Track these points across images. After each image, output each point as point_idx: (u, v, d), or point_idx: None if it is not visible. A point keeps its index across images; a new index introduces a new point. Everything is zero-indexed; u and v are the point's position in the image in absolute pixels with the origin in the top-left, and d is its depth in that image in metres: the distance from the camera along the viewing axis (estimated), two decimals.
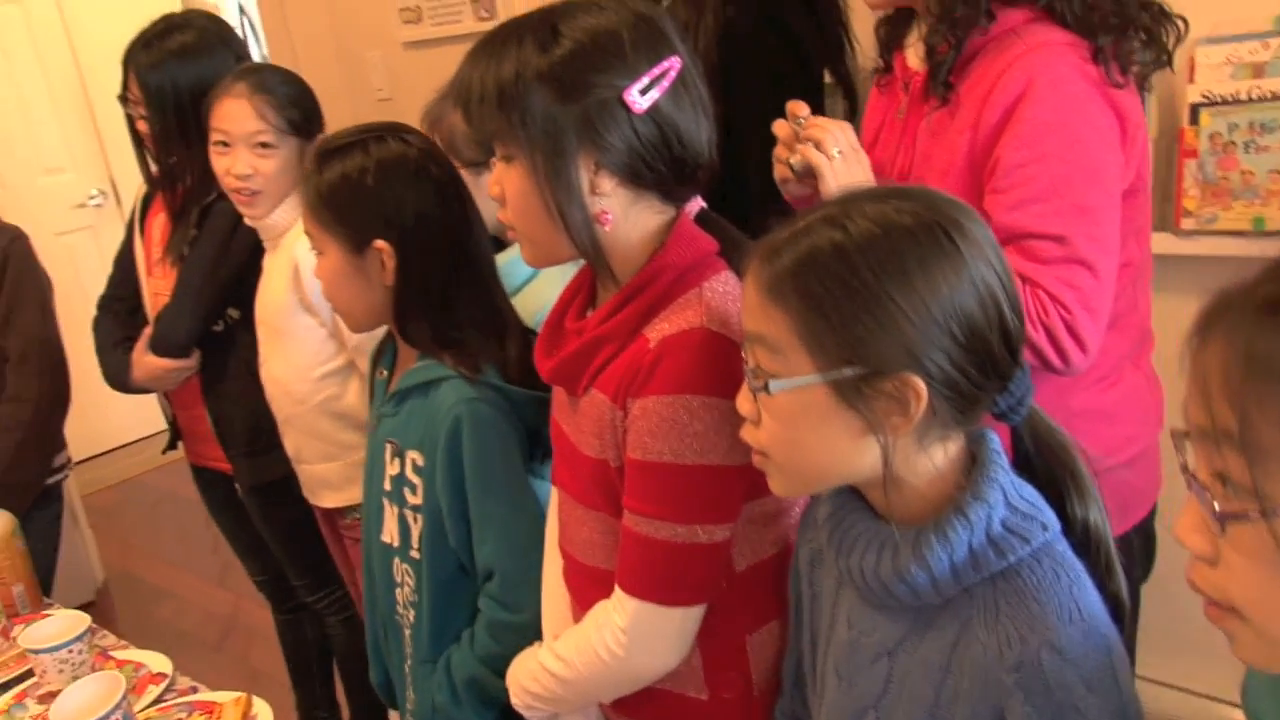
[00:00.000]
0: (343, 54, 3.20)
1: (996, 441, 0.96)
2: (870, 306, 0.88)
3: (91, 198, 4.55)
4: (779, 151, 1.33)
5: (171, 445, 2.40)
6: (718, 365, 1.08)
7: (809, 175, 1.30)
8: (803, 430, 0.93)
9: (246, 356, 2.11)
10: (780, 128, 1.33)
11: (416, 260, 1.42)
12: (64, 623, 1.68)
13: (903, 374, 0.88)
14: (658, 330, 1.12)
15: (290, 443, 2.03)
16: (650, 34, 1.11)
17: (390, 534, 1.51)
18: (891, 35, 1.50)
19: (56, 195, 4.49)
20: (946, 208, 0.91)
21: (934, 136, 1.39)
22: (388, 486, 1.49)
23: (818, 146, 1.28)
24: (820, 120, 1.31)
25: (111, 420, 4.28)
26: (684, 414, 1.08)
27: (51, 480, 2.39)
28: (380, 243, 1.41)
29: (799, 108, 1.32)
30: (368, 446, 1.57)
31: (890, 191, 0.94)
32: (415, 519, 1.45)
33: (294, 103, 1.93)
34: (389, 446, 1.48)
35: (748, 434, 0.99)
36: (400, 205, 1.41)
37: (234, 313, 2.15)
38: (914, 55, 1.44)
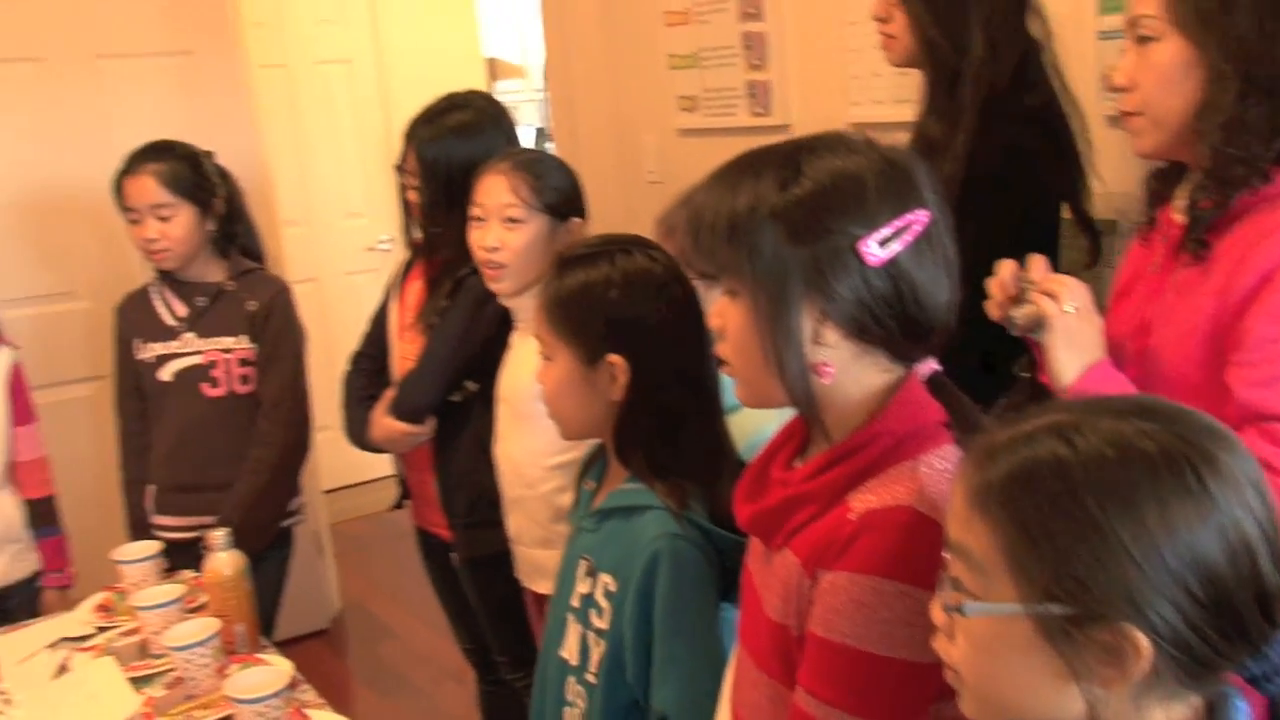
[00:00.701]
0: (620, 135, 3.25)
1: (1245, 713, 0.80)
2: (1089, 539, 0.76)
3: (381, 242, 4.83)
4: (996, 294, 1.26)
5: (398, 504, 2.47)
6: (921, 551, 0.98)
7: (1033, 328, 1.23)
8: (999, 662, 0.82)
9: (479, 430, 2.13)
10: (1005, 270, 1.25)
11: (649, 380, 1.39)
12: (268, 675, 1.73)
13: (1121, 624, 0.76)
14: (863, 500, 1.04)
15: (513, 523, 2.04)
16: (898, 182, 1.05)
17: (570, 651, 1.47)
18: (1161, 189, 1.38)
19: (352, 238, 4.80)
20: (1200, 436, 0.78)
21: (1180, 294, 1.28)
22: (575, 603, 1.46)
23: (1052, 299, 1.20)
24: (1059, 275, 1.23)
25: (369, 454, 4.49)
26: (876, 598, 1.00)
27: (285, 523, 2.50)
28: (615, 358, 1.39)
29: (1037, 265, 1.24)
30: (563, 555, 1.54)
31: (1136, 407, 0.82)
32: (597, 643, 1.41)
33: (550, 182, 1.95)
34: (583, 563, 1.45)
35: (940, 646, 0.88)
36: (640, 322, 1.39)
37: (472, 386, 2.19)
38: (1178, 208, 1.33)
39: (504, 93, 6.12)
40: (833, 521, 1.05)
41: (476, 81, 4.92)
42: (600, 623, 1.41)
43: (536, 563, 2.00)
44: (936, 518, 0.99)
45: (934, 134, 1.71)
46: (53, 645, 1.99)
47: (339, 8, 4.76)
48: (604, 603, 1.40)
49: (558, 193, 1.96)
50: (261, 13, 4.40)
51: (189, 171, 2.38)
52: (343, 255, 4.81)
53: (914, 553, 0.99)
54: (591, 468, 1.57)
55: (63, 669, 1.90)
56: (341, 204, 4.82)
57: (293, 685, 1.76)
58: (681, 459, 1.38)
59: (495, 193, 1.94)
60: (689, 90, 2.92)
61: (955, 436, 1.07)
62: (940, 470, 1.04)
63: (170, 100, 3.29)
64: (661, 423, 1.38)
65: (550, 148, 3.77)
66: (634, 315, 1.38)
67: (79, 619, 2.09)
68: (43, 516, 2.45)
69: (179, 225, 2.37)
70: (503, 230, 1.95)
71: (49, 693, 1.82)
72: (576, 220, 1.96)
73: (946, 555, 0.86)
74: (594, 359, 1.39)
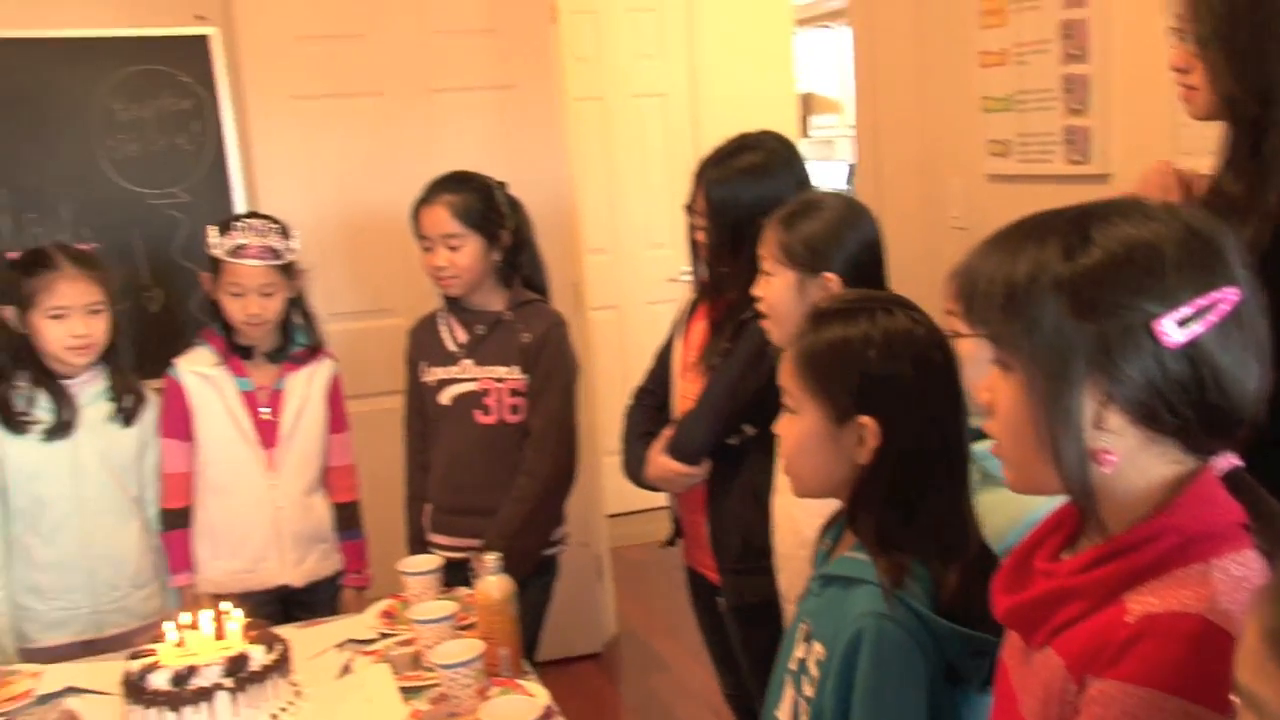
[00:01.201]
0: (926, 177, 3.15)
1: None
2: None
3: (683, 273, 4.84)
4: None
5: (670, 542, 2.47)
6: (1211, 667, 0.87)
7: None
8: None
9: (753, 476, 2.11)
10: None
11: (898, 447, 1.32)
12: (524, 705, 1.78)
13: None
14: (1143, 602, 0.94)
15: (784, 579, 1.99)
16: (1203, 255, 0.95)
17: (785, 714, 1.43)
18: None
19: (654, 268, 4.91)
20: None
21: None
22: (793, 666, 1.41)
23: None
24: None
25: None
26: (1153, 714, 0.89)
27: (549, 552, 2.56)
28: (866, 419, 1.34)
29: None
30: (795, 613, 1.49)
31: None
32: (805, 711, 1.36)
33: (799, 235, 1.90)
34: (802, 627, 1.41)
35: None
36: (896, 384, 1.33)
37: (750, 430, 2.16)
38: None
39: (819, 128, 6.11)
40: (1105, 623, 0.95)
41: (788, 117, 4.96)
42: (809, 690, 1.35)
43: None
44: (1232, 630, 0.88)
45: (1234, 192, 1.56)
46: (340, 645, 2.13)
47: (659, 43, 4.91)
48: (815, 671, 1.34)
49: (806, 246, 1.90)
50: (584, 48, 4.60)
51: (480, 203, 2.47)
52: (644, 284, 4.93)
53: (1202, 667, 0.88)
54: (832, 527, 1.52)
55: (346, 669, 2.03)
56: (646, 234, 4.94)
57: (546, 716, 1.78)
58: (914, 535, 1.31)
59: (763, 243, 1.94)
60: (1002, 134, 2.79)
61: (1258, 543, 0.95)
62: (1238, 578, 0.93)
63: (491, 131, 3.48)
64: (901, 493, 1.32)
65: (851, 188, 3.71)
66: (891, 376, 1.32)
67: (365, 622, 2.23)
68: (348, 520, 2.64)
69: (466, 255, 2.46)
70: (762, 281, 1.94)
71: (331, 690, 1.94)
72: (829, 275, 1.89)
73: (1235, 699, 0.76)
74: (843, 418, 1.35)
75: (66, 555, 2.41)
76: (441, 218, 2.45)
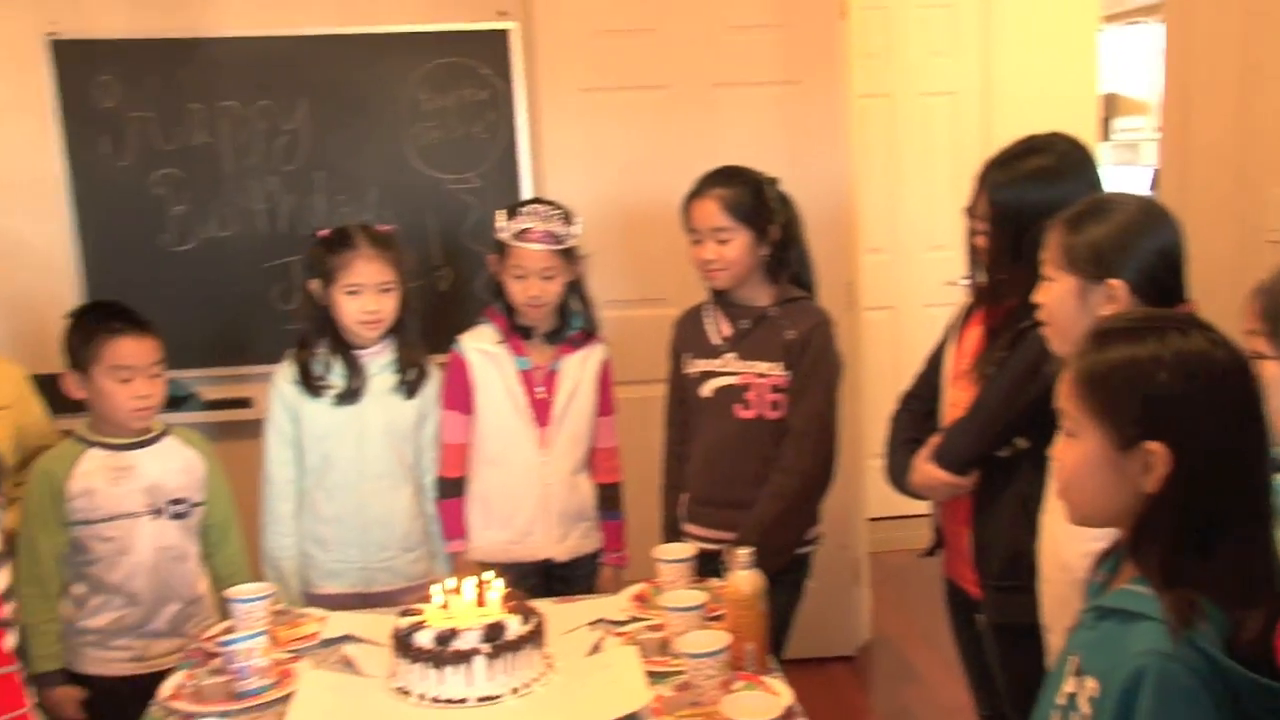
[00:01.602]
0: (1241, 186, 2.89)
1: None
2: None
3: (963, 278, 4.70)
4: None
5: (930, 551, 2.39)
6: None
7: None
8: None
9: (1024, 491, 2.02)
10: None
11: (1191, 476, 1.23)
12: (766, 701, 1.78)
13: None
14: None
15: (1045, 609, 1.91)
16: None
17: None
18: None
19: (933, 270, 4.76)
20: None
21: None
22: (1061, 700, 1.33)
23: None
24: None
25: None
26: None
27: (801, 550, 2.53)
28: (1155, 445, 1.24)
29: None
30: (1062, 643, 1.41)
31: None
32: None
33: (1084, 238, 1.78)
34: (1073, 660, 1.32)
35: None
36: (1191, 411, 1.23)
37: (1023, 443, 2.07)
38: None
39: (1123, 131, 5.77)
40: None
41: (1088, 119, 4.72)
42: None
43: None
44: None
45: None
46: (593, 624, 2.17)
47: (952, 40, 4.77)
48: (1085, 708, 1.26)
49: (1091, 250, 1.77)
50: (873, 44, 4.53)
51: (750, 198, 2.46)
52: (922, 287, 4.80)
53: None
54: (1108, 558, 1.42)
55: (596, 648, 2.07)
56: (927, 235, 4.81)
57: (787, 716, 1.77)
58: (1209, 572, 1.21)
59: (1045, 246, 1.84)
60: None
61: None
62: None
63: (772, 126, 3.48)
64: (1194, 526, 1.23)
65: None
66: (1183, 399, 1.23)
67: (618, 604, 2.27)
68: (609, 500, 2.71)
69: (734, 249, 2.45)
70: (1043, 287, 1.84)
71: (580, 666, 1.99)
72: (1114, 282, 1.76)
73: None
74: (1128, 444, 1.26)
75: (345, 512, 2.57)
76: (711, 211, 2.45)
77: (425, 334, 2.70)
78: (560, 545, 2.64)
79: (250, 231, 3.44)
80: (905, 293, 4.85)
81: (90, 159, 3.34)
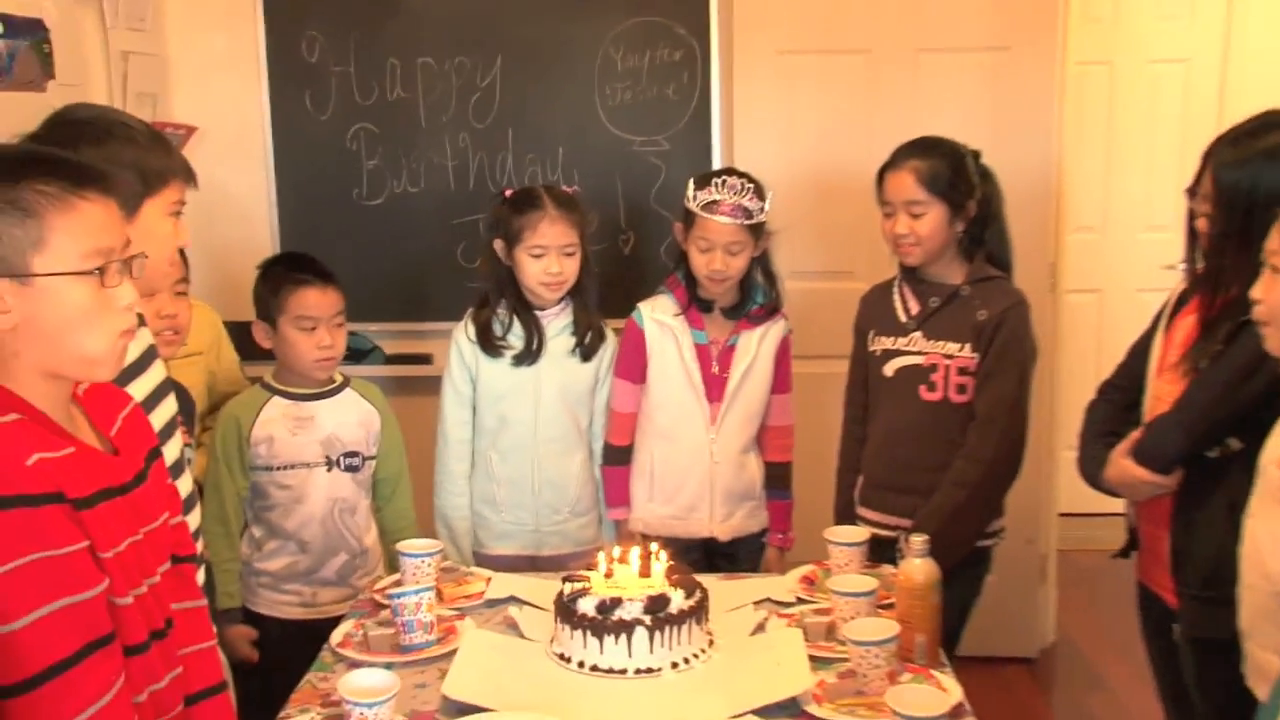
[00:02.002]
0: None
1: None
2: None
3: (1182, 262, 4.46)
4: None
5: (1124, 553, 2.28)
6: None
7: None
8: None
9: (1233, 495, 1.89)
10: None
11: None
12: (933, 696, 1.70)
13: None
14: None
15: (1244, 614, 1.79)
16: None
17: None
18: None
19: (1149, 252, 4.50)
20: None
21: None
22: None
23: None
24: None
25: None
26: None
27: (983, 543, 2.45)
28: None
29: None
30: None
31: None
32: None
33: None
34: None
35: None
36: None
37: (1235, 444, 1.95)
38: None
39: None
40: None
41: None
42: None
43: (1263, 667, 1.73)
44: None
45: None
46: (758, 603, 2.15)
47: (1189, 3, 4.48)
48: None
49: None
50: (1099, 9, 4.32)
51: (948, 171, 2.38)
52: (1134, 270, 4.56)
53: None
54: None
55: (759, 627, 2.05)
56: (1144, 215, 4.57)
57: (956, 713, 1.71)
58: None
59: (1271, 236, 1.71)
60: None
61: None
62: None
63: (978, 94, 3.37)
64: None
65: None
66: None
67: (785, 584, 2.24)
68: (778, 479, 2.70)
69: (927, 223, 2.39)
70: (1266, 281, 1.72)
71: (743, 645, 1.97)
72: None
73: None
74: None
75: (518, 474, 2.62)
76: (906, 183, 2.40)
77: (604, 298, 2.74)
78: (724, 525, 2.64)
79: (439, 188, 3.53)
80: (1114, 275, 4.63)
81: (292, 113, 3.50)
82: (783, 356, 2.65)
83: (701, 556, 2.60)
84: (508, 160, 3.50)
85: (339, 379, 2.55)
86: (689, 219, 2.54)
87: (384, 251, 3.53)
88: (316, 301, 2.44)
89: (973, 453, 2.37)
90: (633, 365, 2.64)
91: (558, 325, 2.63)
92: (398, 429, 2.62)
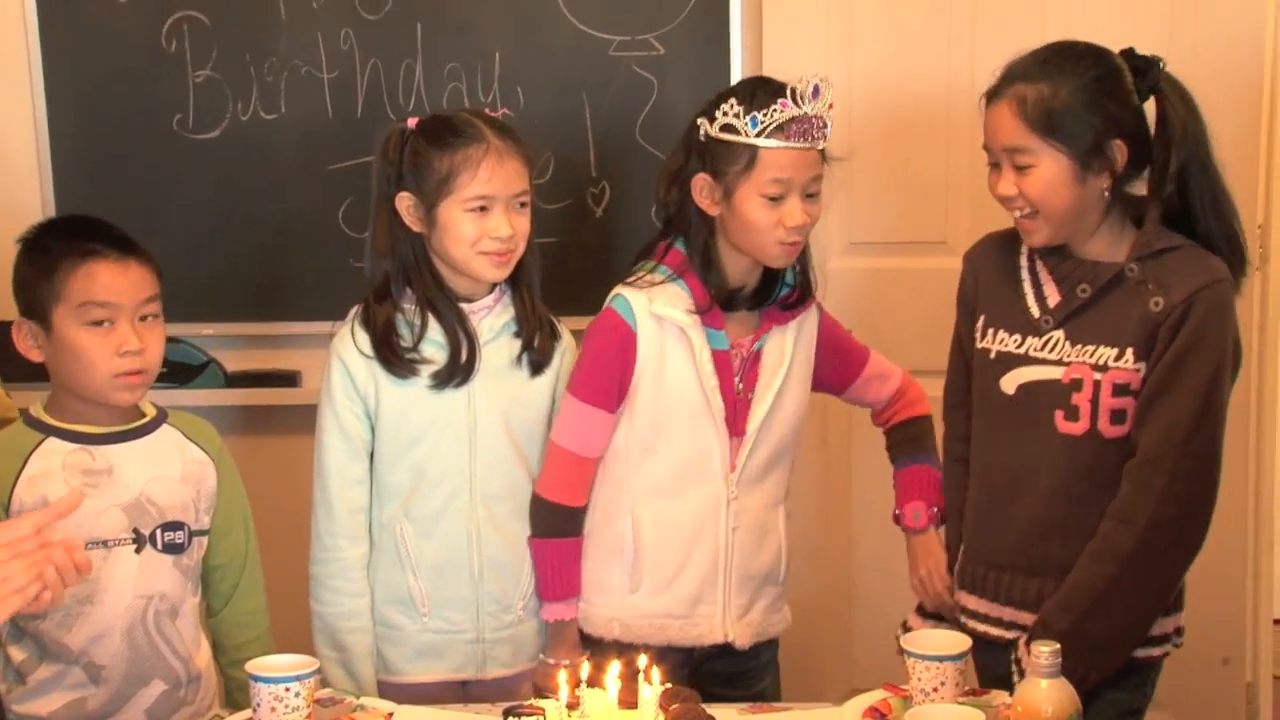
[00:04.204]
0: None
1: None
2: None
3: None
4: None
5: None
6: None
7: None
8: None
9: None
10: None
11: None
12: None
13: None
14: None
15: None
16: None
17: None
18: None
19: None
20: None
21: None
22: None
23: None
24: None
25: None
26: None
27: (1145, 652, 2.44)
28: None
29: None
30: None
31: None
32: None
33: None
34: None
35: None
36: None
37: None
38: None
39: None
40: None
41: None
42: None
43: None
44: None
45: None
46: None
47: None
48: None
49: None
50: None
51: (1073, 96, 2.39)
52: None
53: None
54: None
55: None
56: None
57: None
58: None
59: None
60: None
61: None
62: None
63: None
64: None
65: None
66: None
67: None
68: (916, 442, 2.80)
69: (1038, 180, 2.42)
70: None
71: None
72: None
73: None
74: None
75: (448, 554, 2.61)
76: (1004, 120, 2.42)
77: (558, 283, 2.73)
78: (741, 622, 2.66)
79: (308, 114, 3.49)
80: None
81: None
82: (829, 340, 2.74)
83: (717, 668, 2.64)
84: (415, 72, 3.47)
85: (151, 411, 2.51)
86: (740, 159, 2.53)
87: (222, 213, 3.51)
88: (113, 282, 2.37)
89: (1127, 510, 2.38)
90: (607, 383, 2.61)
91: (493, 324, 2.63)
92: (241, 489, 2.59)
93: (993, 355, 2.52)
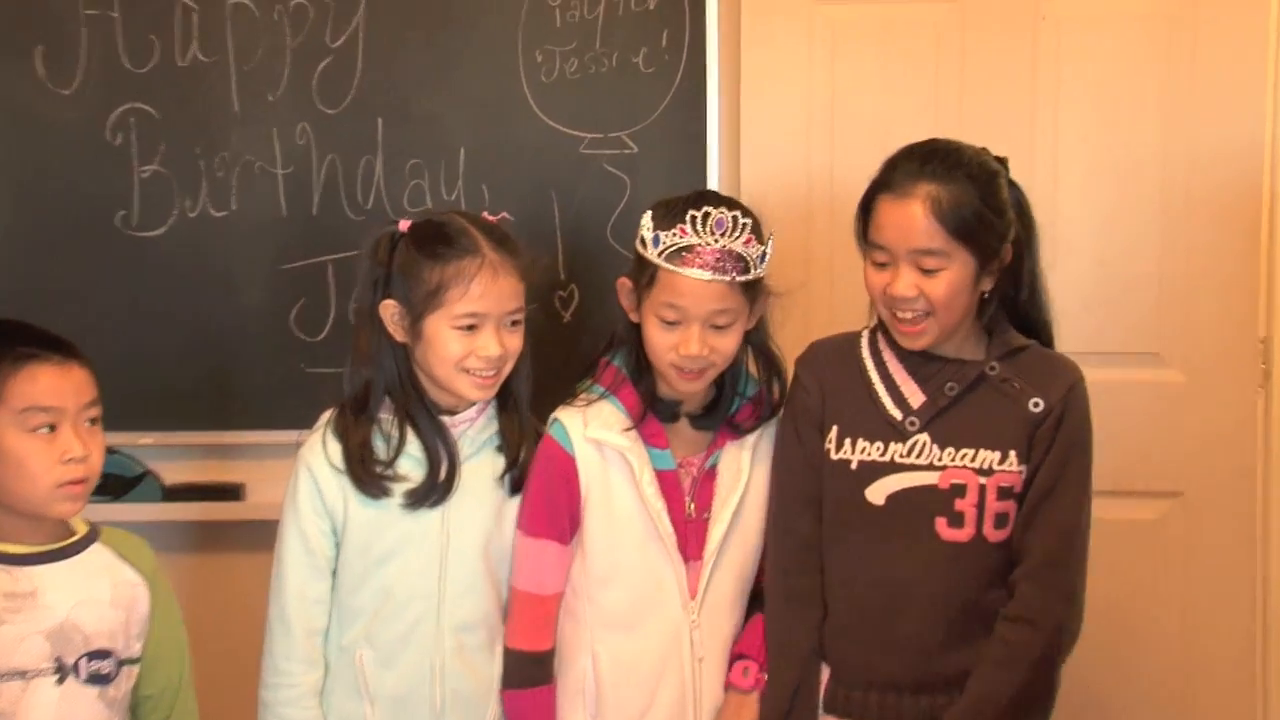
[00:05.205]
0: None
1: None
2: None
3: None
4: None
5: None
6: None
7: None
8: None
9: None
10: None
11: None
12: None
13: None
14: None
15: None
16: None
17: None
18: None
19: None
20: None
21: None
22: None
23: None
24: None
25: None
26: None
27: None
28: None
29: None
30: None
31: None
32: None
33: None
34: None
35: None
36: None
37: None
38: None
39: None
40: None
41: None
42: None
43: None
44: None
45: None
46: None
47: None
48: None
49: None
50: None
51: (977, 200, 2.42)
52: None
53: None
54: None
55: None
56: None
57: None
58: None
59: None
60: None
61: None
62: None
63: (1128, 63, 3.36)
64: None
65: None
66: None
67: None
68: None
69: (946, 282, 2.43)
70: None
71: None
72: None
73: None
74: None
75: (410, 685, 2.55)
76: (915, 220, 2.41)
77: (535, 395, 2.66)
78: None
79: (261, 211, 3.44)
80: None
81: (11, 81, 3.41)
82: None
83: None
84: (375, 168, 3.43)
85: (82, 528, 2.43)
86: (645, 273, 2.51)
87: (165, 315, 3.44)
88: (56, 385, 2.31)
89: (1033, 613, 2.42)
90: (553, 514, 2.57)
91: (476, 438, 2.59)
92: (177, 612, 2.51)
93: (854, 466, 2.52)
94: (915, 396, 2.50)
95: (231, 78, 3.42)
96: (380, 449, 2.51)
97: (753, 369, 2.65)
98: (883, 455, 2.49)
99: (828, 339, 2.65)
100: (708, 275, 2.45)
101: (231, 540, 3.16)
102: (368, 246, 2.60)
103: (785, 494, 2.60)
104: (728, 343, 2.50)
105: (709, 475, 2.60)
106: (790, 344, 2.66)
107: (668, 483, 2.56)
